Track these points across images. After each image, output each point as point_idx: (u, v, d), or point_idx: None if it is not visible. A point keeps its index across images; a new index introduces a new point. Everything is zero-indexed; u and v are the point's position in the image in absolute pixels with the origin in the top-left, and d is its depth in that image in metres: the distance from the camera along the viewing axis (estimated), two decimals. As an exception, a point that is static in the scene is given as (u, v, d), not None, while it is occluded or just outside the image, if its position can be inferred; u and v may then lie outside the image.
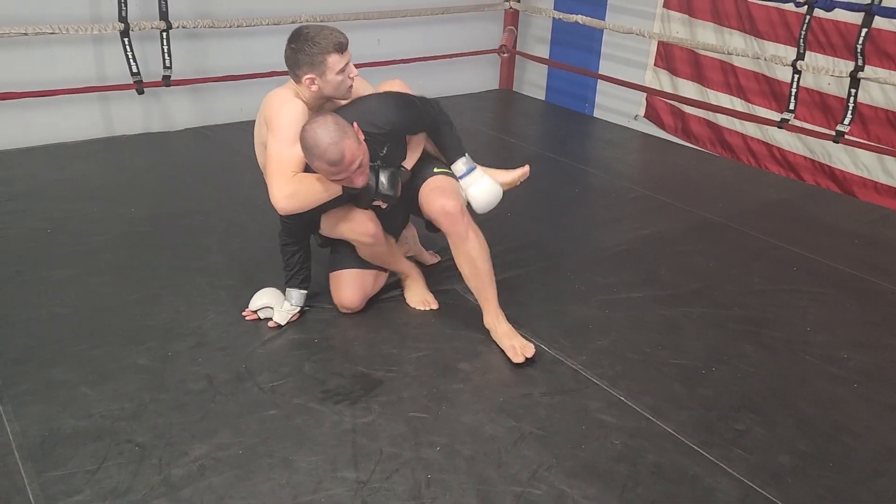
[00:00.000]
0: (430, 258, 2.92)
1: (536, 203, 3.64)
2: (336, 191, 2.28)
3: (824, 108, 4.05)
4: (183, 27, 4.08)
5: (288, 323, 2.47)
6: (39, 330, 2.40)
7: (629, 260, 3.08)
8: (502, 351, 2.40)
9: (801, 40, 3.77)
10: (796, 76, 3.83)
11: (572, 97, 5.38)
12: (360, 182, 2.25)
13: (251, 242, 3.01)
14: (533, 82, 5.67)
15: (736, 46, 4.23)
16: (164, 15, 3.97)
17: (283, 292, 2.52)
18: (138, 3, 4.00)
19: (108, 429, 1.98)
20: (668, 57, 4.77)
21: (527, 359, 2.33)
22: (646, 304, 2.73)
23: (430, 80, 5.24)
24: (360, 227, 2.40)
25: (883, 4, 3.49)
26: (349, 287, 2.52)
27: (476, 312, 2.55)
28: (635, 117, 5.05)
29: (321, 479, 1.86)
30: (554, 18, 5.11)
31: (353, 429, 2.03)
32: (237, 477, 1.85)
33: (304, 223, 2.43)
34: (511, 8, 5.35)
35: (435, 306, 2.62)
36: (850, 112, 3.67)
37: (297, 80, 2.31)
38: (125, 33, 3.88)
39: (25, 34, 3.66)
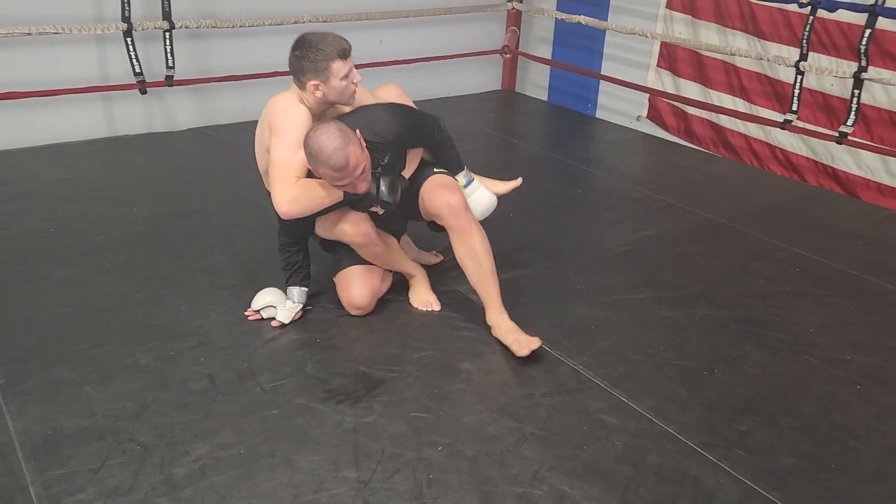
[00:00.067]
0: (433, 258, 2.92)
1: (539, 203, 3.64)
2: (337, 197, 2.31)
3: (827, 110, 4.04)
4: (186, 27, 4.09)
5: (291, 322, 2.47)
6: (42, 329, 2.41)
7: (631, 261, 3.08)
8: (504, 349, 2.40)
9: (805, 41, 3.77)
10: (799, 77, 3.83)
11: (575, 98, 5.38)
12: (362, 188, 2.28)
13: (253, 242, 3.01)
14: (535, 83, 5.67)
15: (739, 47, 4.22)
16: (167, 15, 3.98)
17: (285, 292, 2.52)
18: (141, 3, 4.01)
19: (110, 428, 1.99)
20: (671, 58, 4.77)
21: (532, 351, 2.32)
22: (648, 304, 2.73)
23: (433, 80, 5.25)
24: (352, 227, 2.41)
25: (887, 5, 3.48)
26: (358, 284, 2.51)
27: (478, 313, 2.55)
28: (638, 118, 5.04)
29: (323, 478, 1.86)
30: (556, 19, 5.11)
31: (355, 429, 2.03)
32: (239, 476, 1.85)
33: (303, 225, 2.45)
34: (513, 8, 5.35)
35: (437, 307, 2.63)
36: (853, 113, 3.66)
37: (302, 86, 2.34)
38: (128, 33, 3.88)
39: (29, 34, 3.67)
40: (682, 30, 4.62)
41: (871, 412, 2.22)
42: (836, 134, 3.77)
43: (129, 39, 3.90)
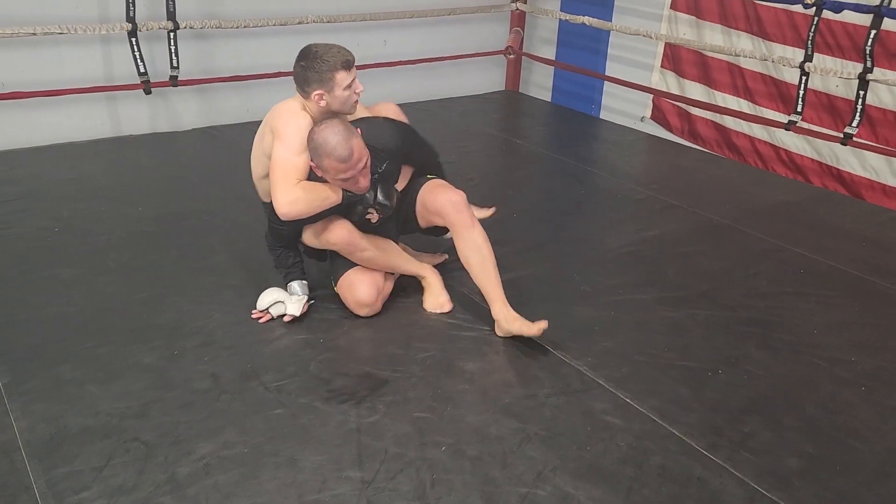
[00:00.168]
0: (437, 258, 2.91)
1: (542, 204, 3.64)
2: (337, 199, 2.37)
3: (832, 111, 4.03)
4: (190, 27, 4.09)
5: (294, 320, 2.48)
6: (46, 328, 2.41)
7: (635, 261, 3.07)
8: (507, 349, 2.40)
9: (810, 42, 3.76)
10: (804, 78, 3.82)
11: (578, 98, 5.37)
12: (364, 183, 2.34)
13: (257, 242, 3.00)
14: (539, 83, 5.67)
15: (743, 48, 4.22)
16: (171, 15, 3.98)
17: (285, 289, 2.53)
18: (146, 4, 4.02)
19: (114, 427, 1.99)
20: (675, 58, 4.76)
21: (542, 331, 2.37)
22: (651, 305, 2.73)
23: (436, 80, 5.26)
24: (335, 234, 2.45)
25: (892, 6, 3.47)
26: (361, 283, 2.51)
27: (482, 313, 2.56)
28: (642, 119, 5.04)
29: (326, 478, 1.86)
30: (560, 20, 5.10)
31: (359, 428, 2.03)
32: (242, 476, 1.85)
33: (291, 232, 2.50)
34: (517, 9, 5.34)
35: (447, 308, 2.61)
36: (858, 114, 3.65)
37: (306, 95, 2.40)
38: (133, 33, 3.89)
39: (34, 34, 3.68)
40: (687, 31, 4.62)
41: (874, 413, 2.21)
42: (841, 135, 3.77)
43: (133, 39, 3.90)
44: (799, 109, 3.89)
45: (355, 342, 2.46)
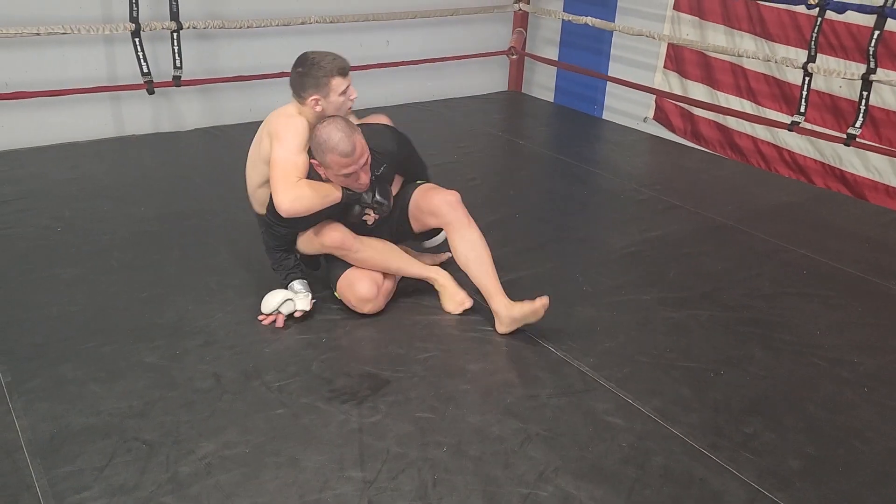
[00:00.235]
0: (438, 258, 2.91)
1: (544, 204, 3.64)
2: (336, 197, 2.42)
3: (835, 111, 4.03)
4: (193, 28, 4.10)
5: (295, 321, 2.49)
6: (49, 327, 2.42)
7: (637, 262, 3.07)
8: (510, 349, 2.40)
9: (813, 43, 3.75)
10: (807, 79, 3.81)
11: (581, 99, 5.37)
12: (364, 179, 2.40)
13: (259, 242, 2.99)
14: (542, 84, 5.67)
15: (746, 49, 4.21)
16: (174, 15, 3.99)
17: (285, 288, 2.52)
18: (149, 4, 4.02)
19: (116, 426, 1.99)
20: (678, 59, 4.76)
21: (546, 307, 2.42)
22: (654, 306, 2.73)
23: (439, 81, 5.26)
24: (326, 237, 2.48)
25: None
26: (360, 281, 2.52)
27: (484, 314, 2.56)
28: (644, 119, 5.03)
29: (328, 478, 1.86)
30: (563, 20, 5.10)
31: (360, 428, 2.03)
32: (244, 475, 1.85)
33: (293, 232, 2.52)
34: (520, 9, 5.34)
35: (469, 304, 2.59)
36: (861, 115, 3.65)
37: (302, 101, 2.49)
38: (136, 33, 3.90)
39: (38, 34, 3.69)
40: (690, 31, 4.61)
41: (877, 414, 2.21)
42: (844, 136, 3.76)
43: (137, 40, 3.91)
44: (802, 110, 3.88)
45: (357, 342, 2.46)
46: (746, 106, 4.42)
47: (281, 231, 2.51)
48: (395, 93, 5.06)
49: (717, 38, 4.46)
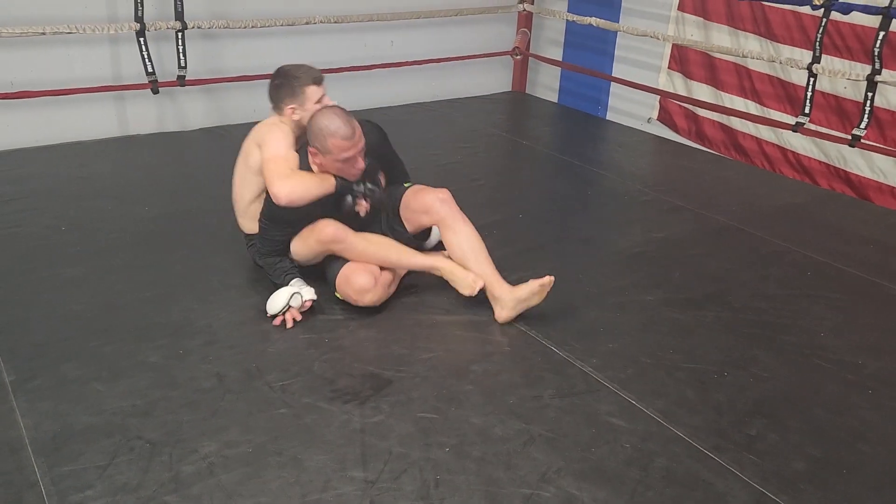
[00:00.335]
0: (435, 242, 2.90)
1: (548, 205, 3.64)
2: (331, 184, 2.49)
3: (840, 112, 4.01)
4: (198, 27, 4.11)
5: (296, 323, 2.48)
6: (52, 326, 2.42)
7: (641, 263, 3.06)
8: (513, 349, 2.40)
9: (818, 43, 3.74)
10: (812, 79, 3.80)
11: (585, 100, 5.37)
12: (360, 164, 2.48)
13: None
14: (546, 84, 5.66)
15: (751, 49, 4.20)
16: (179, 15, 4.00)
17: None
18: (154, 4, 4.04)
19: (119, 425, 1.99)
20: (683, 60, 4.75)
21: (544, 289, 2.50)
22: (658, 307, 2.72)
23: (443, 81, 5.26)
24: (320, 233, 2.51)
25: (901, 8, 3.46)
26: (357, 271, 2.52)
27: (486, 314, 2.55)
28: (648, 120, 5.03)
29: (330, 478, 1.86)
30: (567, 21, 5.10)
31: (362, 428, 2.03)
32: (246, 475, 1.85)
33: (287, 234, 2.55)
34: (524, 10, 5.34)
35: (481, 283, 2.55)
36: (866, 116, 3.64)
37: (280, 111, 2.63)
38: (141, 33, 3.91)
39: (43, 34, 3.69)
40: (694, 32, 4.60)
41: (882, 416, 2.20)
42: (849, 137, 3.75)
43: (141, 39, 3.92)
44: (807, 111, 3.87)
45: (360, 342, 2.46)
46: (751, 107, 4.41)
47: (276, 236, 2.54)
48: (399, 93, 5.06)
49: (721, 39, 4.45)
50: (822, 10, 3.68)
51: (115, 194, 3.46)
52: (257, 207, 2.62)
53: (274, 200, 2.43)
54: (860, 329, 2.65)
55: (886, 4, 3.47)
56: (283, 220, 2.52)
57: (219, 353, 2.32)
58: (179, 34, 4.03)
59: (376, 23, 4.75)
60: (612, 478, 1.90)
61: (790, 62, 3.92)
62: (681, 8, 4.66)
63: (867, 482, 1.95)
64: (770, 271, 3.04)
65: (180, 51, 4.06)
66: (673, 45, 4.74)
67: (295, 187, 2.43)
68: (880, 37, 3.51)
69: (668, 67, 4.84)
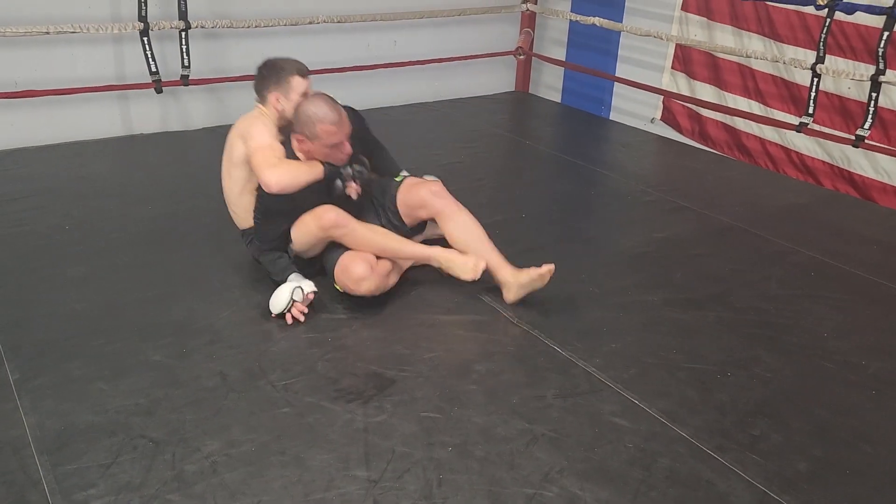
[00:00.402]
0: (431, 230, 2.89)
1: (551, 205, 3.63)
2: (319, 170, 2.53)
3: (844, 113, 4.01)
4: (201, 27, 4.11)
5: (296, 322, 2.48)
6: (56, 325, 2.43)
7: (644, 263, 3.06)
8: (515, 349, 2.40)
9: (821, 44, 3.74)
10: (816, 80, 3.80)
11: (588, 100, 5.36)
12: (348, 148, 2.52)
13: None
14: (549, 84, 5.66)
15: (755, 50, 4.20)
16: (183, 15, 4.00)
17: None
18: (158, 3, 4.04)
19: (122, 424, 2.00)
20: (686, 60, 4.74)
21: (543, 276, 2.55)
22: (661, 307, 2.72)
23: (446, 81, 5.26)
24: (322, 220, 2.53)
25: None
26: (353, 260, 2.53)
27: (489, 313, 2.55)
28: (652, 120, 5.02)
29: (333, 477, 1.86)
30: (571, 20, 5.09)
31: (366, 428, 2.03)
32: (249, 474, 1.86)
33: (284, 222, 2.57)
34: (528, 10, 5.34)
35: (483, 265, 2.55)
36: (870, 116, 3.63)
37: (264, 101, 2.67)
38: (144, 33, 3.91)
39: (47, 33, 3.70)
40: (698, 32, 4.60)
41: (884, 417, 2.20)
42: (853, 137, 3.74)
43: (145, 39, 3.92)
44: (810, 111, 3.87)
45: (363, 342, 2.46)
46: (754, 107, 4.40)
47: (273, 230, 2.56)
48: (401, 93, 5.06)
49: (725, 39, 4.45)
50: (826, 10, 3.67)
51: (119, 194, 3.47)
52: (248, 200, 2.66)
53: (265, 189, 2.47)
54: (863, 329, 2.65)
55: (891, 4, 3.46)
56: (277, 213, 2.55)
57: (221, 352, 2.32)
58: (183, 34, 4.03)
59: (379, 23, 4.75)
60: (615, 478, 1.90)
61: (794, 62, 3.91)
62: (684, 8, 4.66)
63: (870, 482, 1.95)
64: (773, 271, 3.03)
65: (184, 50, 4.07)
66: (676, 45, 4.73)
67: (284, 174, 2.47)
68: (884, 37, 3.50)
69: (672, 67, 4.83)
